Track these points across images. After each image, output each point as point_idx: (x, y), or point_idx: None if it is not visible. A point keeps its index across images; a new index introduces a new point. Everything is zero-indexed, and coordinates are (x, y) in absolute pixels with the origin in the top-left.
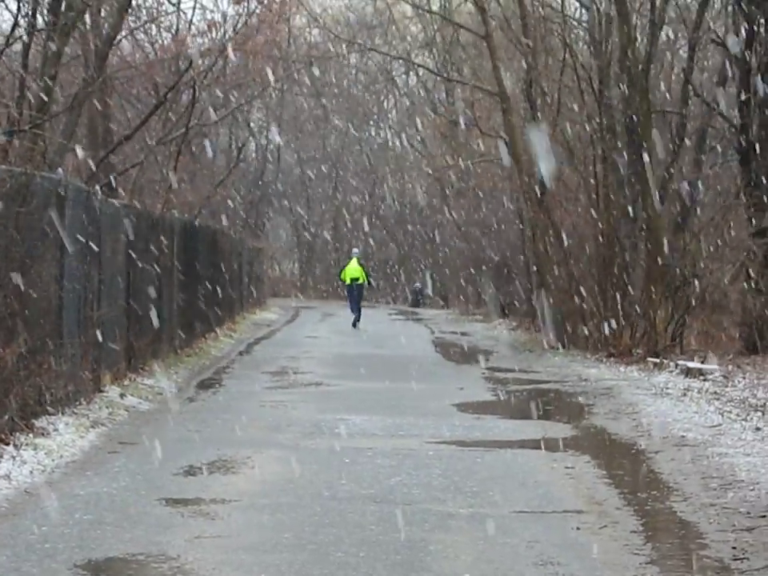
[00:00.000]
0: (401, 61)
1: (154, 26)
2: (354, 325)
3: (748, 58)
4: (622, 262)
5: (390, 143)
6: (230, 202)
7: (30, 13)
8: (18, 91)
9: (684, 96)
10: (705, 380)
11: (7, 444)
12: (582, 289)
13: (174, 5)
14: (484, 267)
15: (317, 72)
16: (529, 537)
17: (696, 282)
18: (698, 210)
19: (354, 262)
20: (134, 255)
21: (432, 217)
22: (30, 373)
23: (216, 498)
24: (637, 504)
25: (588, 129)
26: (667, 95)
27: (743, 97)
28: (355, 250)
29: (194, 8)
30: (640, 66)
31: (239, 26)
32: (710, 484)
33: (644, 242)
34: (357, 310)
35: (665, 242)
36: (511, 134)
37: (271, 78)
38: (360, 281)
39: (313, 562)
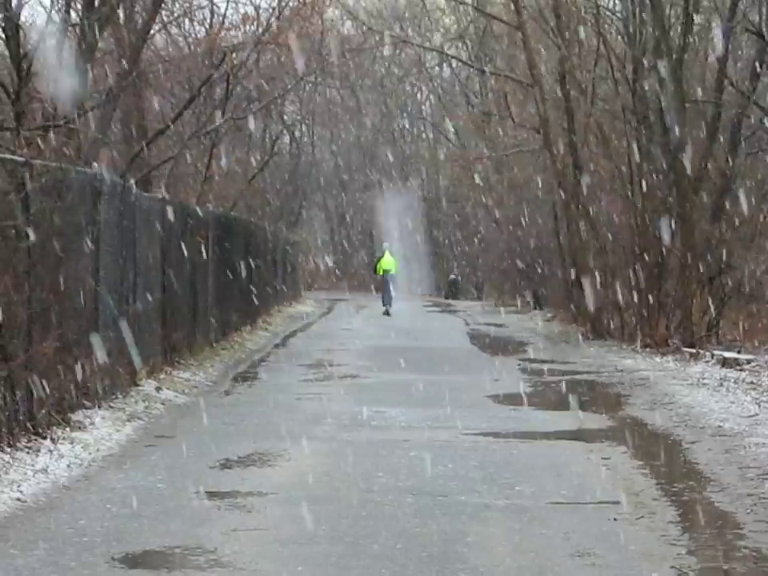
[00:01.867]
0: (434, 52)
1: (187, 20)
2: (387, 313)
3: None
4: (658, 251)
5: (424, 135)
6: (265, 194)
7: (63, 8)
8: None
9: (719, 85)
10: (741, 370)
11: (44, 438)
12: (617, 279)
13: None
14: (518, 258)
15: (351, 64)
16: (565, 528)
17: (731, 272)
18: (733, 199)
19: (387, 255)
20: (169, 249)
21: (466, 208)
22: (67, 367)
23: (253, 490)
24: (674, 494)
25: (622, 119)
26: (702, 85)
27: None
28: (386, 243)
29: (228, 1)
30: (674, 56)
31: (272, 19)
32: (747, 474)
33: (679, 231)
34: (390, 298)
35: (700, 231)
36: (545, 125)
37: (305, 69)
38: (392, 272)
39: (349, 554)
